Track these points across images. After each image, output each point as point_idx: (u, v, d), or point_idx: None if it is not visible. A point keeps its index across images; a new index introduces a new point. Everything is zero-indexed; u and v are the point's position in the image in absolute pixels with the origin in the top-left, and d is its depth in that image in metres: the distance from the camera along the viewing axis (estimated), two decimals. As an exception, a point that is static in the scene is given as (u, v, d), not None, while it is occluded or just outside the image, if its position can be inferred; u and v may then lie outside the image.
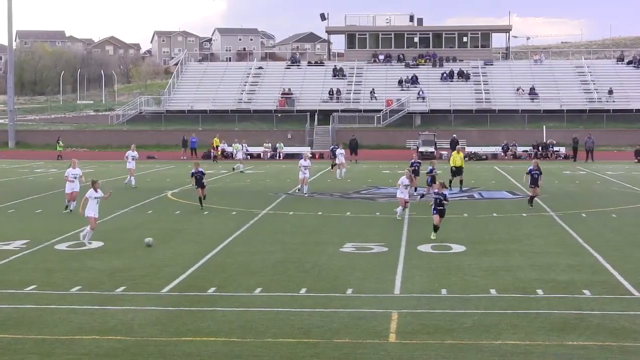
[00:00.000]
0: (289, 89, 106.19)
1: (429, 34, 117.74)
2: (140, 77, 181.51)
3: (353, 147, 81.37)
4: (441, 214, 31.34)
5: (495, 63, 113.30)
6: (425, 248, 29.62)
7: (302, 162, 48.24)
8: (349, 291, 22.74)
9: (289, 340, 18.09)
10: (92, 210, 30.76)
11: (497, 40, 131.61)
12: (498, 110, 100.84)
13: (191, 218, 38.37)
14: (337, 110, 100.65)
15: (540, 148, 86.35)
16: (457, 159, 50.90)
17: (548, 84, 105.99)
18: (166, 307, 21.15)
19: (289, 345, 17.75)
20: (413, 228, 34.54)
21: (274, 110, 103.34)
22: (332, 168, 64.95)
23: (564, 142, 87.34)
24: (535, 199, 41.94)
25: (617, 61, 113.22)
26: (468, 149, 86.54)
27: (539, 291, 22.65)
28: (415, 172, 46.58)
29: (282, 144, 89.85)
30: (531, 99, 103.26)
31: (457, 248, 29.64)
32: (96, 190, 31.04)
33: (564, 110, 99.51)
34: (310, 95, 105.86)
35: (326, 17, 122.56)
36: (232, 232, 33.56)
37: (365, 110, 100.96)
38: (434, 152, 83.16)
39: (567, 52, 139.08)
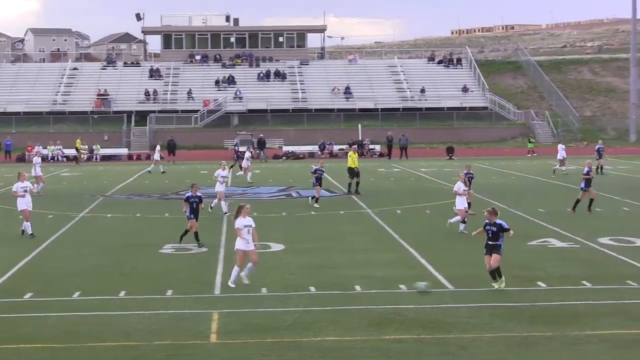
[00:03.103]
0: (105, 90, 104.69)
1: (245, 34, 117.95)
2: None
3: (171, 148, 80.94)
4: (496, 250, 22.86)
5: (311, 63, 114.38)
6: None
7: (219, 172, 40.63)
8: (169, 292, 22.70)
9: (110, 344, 17.96)
10: None
11: (313, 41, 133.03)
12: (314, 109, 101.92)
13: (5, 223, 37.45)
14: (154, 111, 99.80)
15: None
16: (354, 159, 48.37)
17: (362, 83, 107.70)
18: (-19, 315, 20.66)
19: (111, 349, 17.63)
20: (232, 228, 34.58)
21: (90, 111, 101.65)
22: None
23: (379, 140, 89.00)
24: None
25: (428, 61, 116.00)
26: (285, 148, 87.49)
27: (357, 287, 23.11)
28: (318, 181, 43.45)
29: (98, 146, 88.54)
30: (346, 98, 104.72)
31: (276, 247, 29.90)
32: None
33: (378, 109, 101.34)
34: (127, 96, 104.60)
35: (142, 17, 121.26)
36: (49, 236, 32.96)
37: (182, 111, 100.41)
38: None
39: (381, 52, 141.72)
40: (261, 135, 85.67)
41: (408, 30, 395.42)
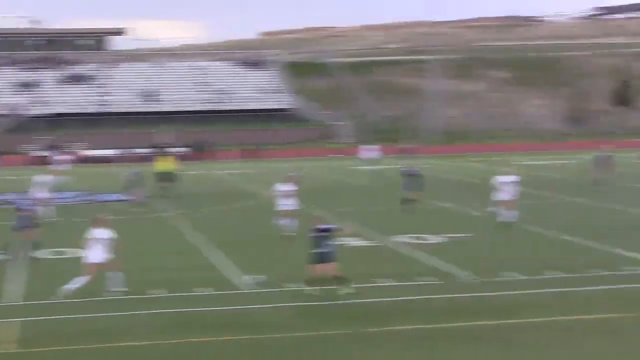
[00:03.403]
0: None
1: (46, 37, 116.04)
2: None
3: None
4: (327, 258, 22.14)
5: (115, 66, 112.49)
6: (44, 254, 29.26)
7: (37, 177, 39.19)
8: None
9: None
10: None
11: (118, 43, 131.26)
12: (119, 112, 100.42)
13: None
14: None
15: (169, 150, 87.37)
16: (168, 163, 48.15)
17: (168, 86, 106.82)
18: None
19: None
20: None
21: None
22: None
23: (185, 143, 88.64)
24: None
25: (235, 63, 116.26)
26: (90, 153, 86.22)
27: (156, 291, 23.07)
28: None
29: None
30: (152, 101, 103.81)
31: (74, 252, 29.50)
32: None
33: (184, 111, 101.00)
34: None
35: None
36: None
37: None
38: (46, 156, 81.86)
39: (186, 54, 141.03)
40: (65, 139, 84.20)
41: (215, 33, 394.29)
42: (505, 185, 34.16)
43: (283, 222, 32.60)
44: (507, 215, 33.71)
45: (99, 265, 22.36)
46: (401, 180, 41.57)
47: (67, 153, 79.44)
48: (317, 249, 22.01)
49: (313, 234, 22.24)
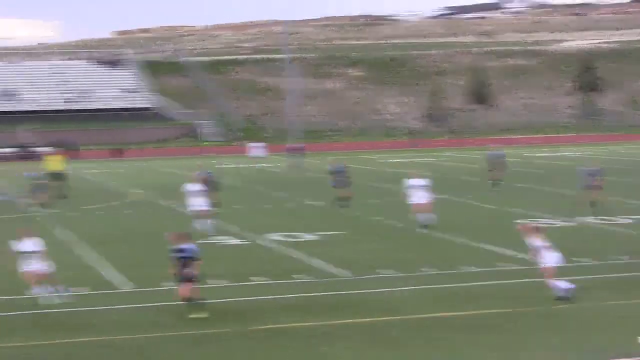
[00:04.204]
0: None
1: None
2: None
3: None
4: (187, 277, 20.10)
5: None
6: None
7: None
8: None
9: None
10: None
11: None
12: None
13: None
14: None
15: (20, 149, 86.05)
16: (57, 162, 46.97)
17: (26, 85, 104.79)
18: None
19: None
20: None
21: None
22: None
23: (44, 143, 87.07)
24: None
25: (91, 62, 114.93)
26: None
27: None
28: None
29: None
30: (9, 100, 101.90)
31: None
32: None
33: (42, 111, 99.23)
34: None
35: None
36: None
37: None
38: None
39: (43, 53, 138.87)
40: None
41: (69, 32, 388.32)
42: (416, 189, 33.35)
43: (197, 223, 32.44)
44: (424, 218, 32.98)
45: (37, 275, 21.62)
46: (329, 177, 41.41)
47: None
48: (178, 268, 20.00)
49: (173, 254, 20.19)
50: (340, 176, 40.55)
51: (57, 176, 46.28)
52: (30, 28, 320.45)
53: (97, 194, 49.49)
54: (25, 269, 21.82)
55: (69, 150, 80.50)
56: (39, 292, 21.62)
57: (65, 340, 18.37)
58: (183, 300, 19.95)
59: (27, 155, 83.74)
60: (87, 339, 18.41)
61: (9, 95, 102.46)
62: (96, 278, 24.84)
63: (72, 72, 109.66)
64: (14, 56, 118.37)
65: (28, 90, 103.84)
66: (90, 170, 66.13)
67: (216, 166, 62.40)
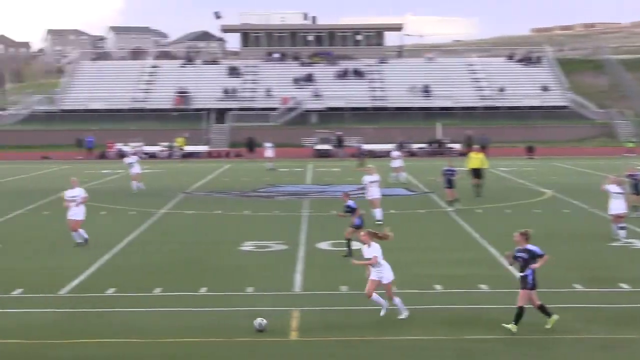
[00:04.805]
0: (184, 88, 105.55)
1: (323, 33, 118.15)
2: (32, 77, 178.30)
3: (250, 146, 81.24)
4: (522, 283, 18.70)
5: (389, 61, 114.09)
6: (325, 245, 29.77)
7: (367, 177, 36.52)
8: (249, 290, 22.77)
9: (188, 340, 18.05)
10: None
11: (391, 39, 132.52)
12: (393, 107, 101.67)
13: (88, 218, 37.87)
14: (233, 109, 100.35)
15: (435, 145, 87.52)
16: (475, 160, 46.17)
17: (441, 81, 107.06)
18: (64, 309, 20.91)
19: (189, 345, 17.72)
20: (312, 226, 34.69)
21: (170, 109, 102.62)
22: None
23: (458, 139, 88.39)
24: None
25: (508, 59, 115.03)
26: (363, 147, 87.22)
27: (437, 286, 22.96)
28: (449, 183, 40.47)
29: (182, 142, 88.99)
30: (425, 96, 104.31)
31: (356, 245, 29.79)
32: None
33: (457, 107, 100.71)
34: (206, 94, 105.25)
35: (220, 15, 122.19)
36: (130, 232, 33.28)
37: (261, 109, 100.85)
38: (330, 149, 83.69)
39: (459, 50, 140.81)
40: (339, 133, 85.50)
41: (487, 29, 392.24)
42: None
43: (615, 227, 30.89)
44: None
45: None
46: None
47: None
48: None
49: (517, 255, 18.74)
50: None
51: (477, 173, 45.67)
52: (448, 25, 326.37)
53: (507, 191, 49.03)
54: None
55: (482, 147, 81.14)
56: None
57: (462, 337, 18.11)
58: (537, 308, 18.72)
59: (441, 151, 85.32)
60: (483, 337, 18.11)
61: (424, 91, 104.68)
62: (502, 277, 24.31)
63: (487, 69, 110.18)
64: (428, 53, 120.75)
65: (443, 87, 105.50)
66: (500, 168, 65.79)
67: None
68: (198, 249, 29.50)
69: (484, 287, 22.82)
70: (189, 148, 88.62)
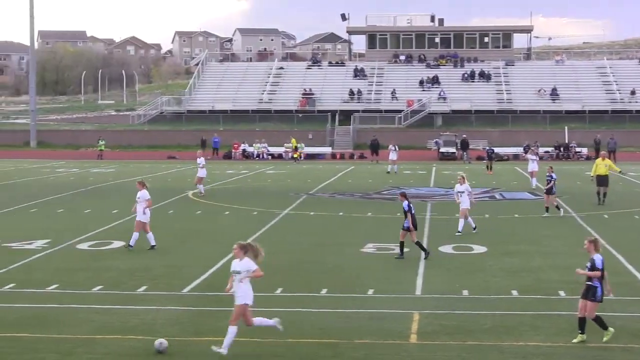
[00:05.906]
0: (310, 89, 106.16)
1: (450, 35, 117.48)
2: (161, 77, 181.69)
3: (374, 148, 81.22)
4: (590, 294, 18.15)
5: (516, 63, 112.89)
6: (446, 249, 29.55)
7: (458, 187, 35.09)
8: (370, 292, 22.71)
9: (309, 341, 18.09)
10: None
11: (519, 41, 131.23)
12: (519, 110, 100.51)
13: (212, 218, 38.41)
14: (357, 111, 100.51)
15: (562, 149, 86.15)
16: (601, 166, 44.23)
17: (570, 84, 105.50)
18: (187, 307, 21.18)
19: (309, 346, 17.75)
20: (434, 229, 34.46)
21: (295, 110, 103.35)
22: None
23: (586, 143, 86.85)
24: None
25: (639, 62, 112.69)
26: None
27: (561, 292, 22.56)
28: (548, 191, 38.98)
29: (302, 145, 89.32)
30: (552, 99, 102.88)
31: (478, 249, 29.55)
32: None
33: (585, 111, 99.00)
34: (331, 95, 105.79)
35: (347, 17, 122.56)
36: (253, 232, 33.52)
37: (386, 111, 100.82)
38: (454, 152, 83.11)
39: (589, 52, 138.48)
40: (464, 136, 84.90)
41: (618, 31, 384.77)
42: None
43: None
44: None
45: None
46: None
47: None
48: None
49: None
50: None
51: (602, 181, 44.05)
52: (578, 27, 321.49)
53: (636, 197, 48.03)
54: None
55: (610, 152, 79.54)
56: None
57: (585, 345, 17.76)
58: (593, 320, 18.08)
59: (568, 155, 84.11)
60: (607, 345, 17.66)
61: (553, 94, 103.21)
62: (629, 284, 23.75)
63: (618, 72, 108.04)
64: (557, 55, 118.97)
65: (572, 90, 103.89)
66: (630, 173, 64.37)
67: None
68: (319, 250, 29.56)
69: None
70: (313, 149, 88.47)
